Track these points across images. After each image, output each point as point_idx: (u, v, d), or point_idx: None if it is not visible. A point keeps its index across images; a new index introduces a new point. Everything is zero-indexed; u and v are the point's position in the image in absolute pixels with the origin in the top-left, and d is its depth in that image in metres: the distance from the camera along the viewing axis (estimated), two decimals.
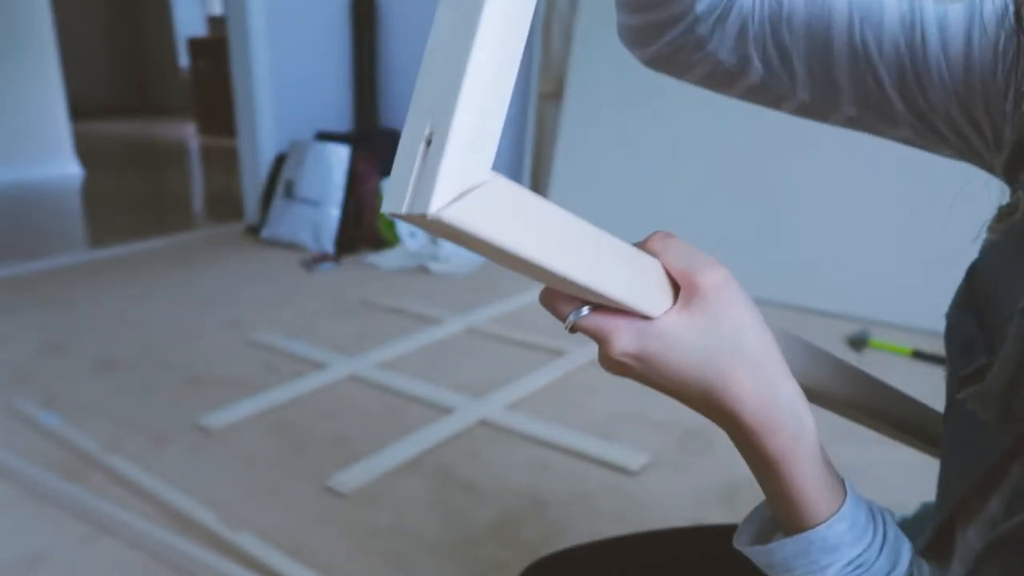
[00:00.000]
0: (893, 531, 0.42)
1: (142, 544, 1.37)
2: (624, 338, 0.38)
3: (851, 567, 0.40)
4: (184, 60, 8.58)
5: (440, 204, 0.29)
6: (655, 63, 0.62)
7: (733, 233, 2.79)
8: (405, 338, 2.34)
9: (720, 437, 1.77)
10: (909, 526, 0.64)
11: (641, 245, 0.40)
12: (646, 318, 0.39)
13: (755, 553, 0.42)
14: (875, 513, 0.42)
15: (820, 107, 0.58)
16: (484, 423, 1.83)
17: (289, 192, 3.40)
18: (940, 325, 0.53)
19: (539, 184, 3.38)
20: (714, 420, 0.41)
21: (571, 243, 0.35)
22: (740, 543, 0.44)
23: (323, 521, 1.46)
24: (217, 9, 8.37)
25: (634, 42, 0.62)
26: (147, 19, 9.02)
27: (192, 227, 3.88)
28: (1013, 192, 0.49)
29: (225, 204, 4.50)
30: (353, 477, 1.58)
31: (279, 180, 3.46)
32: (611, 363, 0.40)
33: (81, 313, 2.56)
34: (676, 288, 0.40)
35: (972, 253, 0.53)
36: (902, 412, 0.61)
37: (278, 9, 3.51)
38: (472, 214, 0.30)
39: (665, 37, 0.59)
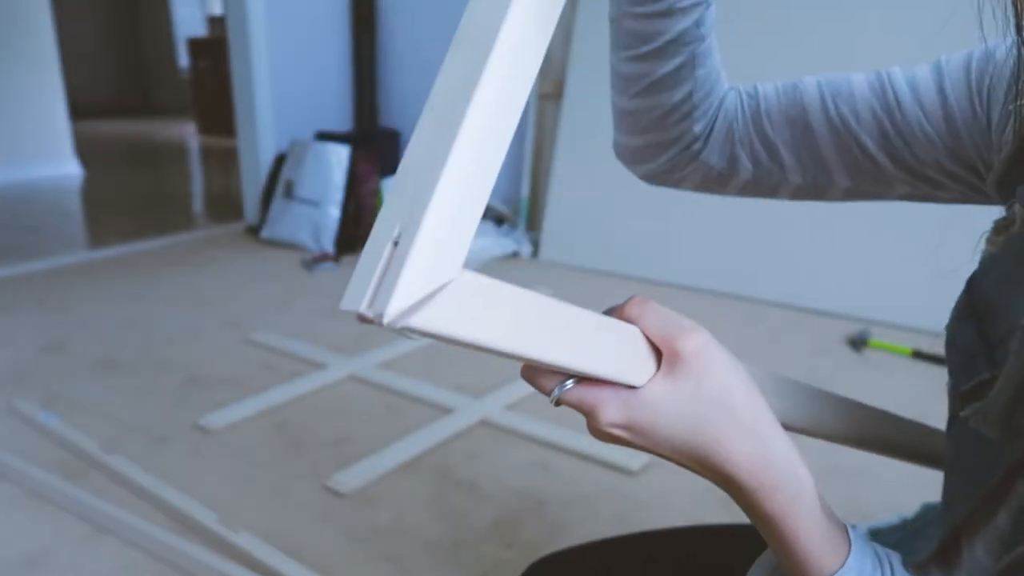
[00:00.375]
0: (901, 574, 0.42)
1: (142, 544, 1.37)
2: (610, 410, 0.38)
3: None
4: (184, 60, 8.57)
5: (396, 312, 0.29)
6: (653, 178, 0.65)
7: (733, 233, 2.79)
8: (405, 338, 2.34)
9: None
10: (909, 527, 0.64)
11: (617, 311, 0.40)
12: (631, 387, 0.39)
13: None
14: (881, 558, 0.42)
15: (815, 186, 0.60)
16: (484, 423, 1.83)
17: (289, 192, 3.40)
18: (940, 325, 0.53)
19: (539, 184, 3.39)
20: (712, 481, 0.41)
21: (546, 327, 0.34)
22: None
23: (323, 521, 1.46)
24: (217, 9, 8.37)
25: (633, 161, 0.64)
26: (147, 19, 9.02)
27: (192, 227, 3.88)
28: (1009, 206, 0.50)
29: (225, 204, 4.50)
30: (353, 477, 1.58)
31: (279, 180, 3.46)
32: (601, 434, 0.40)
33: (81, 313, 2.56)
34: (658, 354, 0.40)
35: (972, 258, 0.53)
36: (900, 437, 0.61)
37: (278, 9, 3.51)
38: (433, 318, 0.30)
39: (664, 156, 0.61)
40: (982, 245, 0.51)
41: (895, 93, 0.54)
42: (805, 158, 0.58)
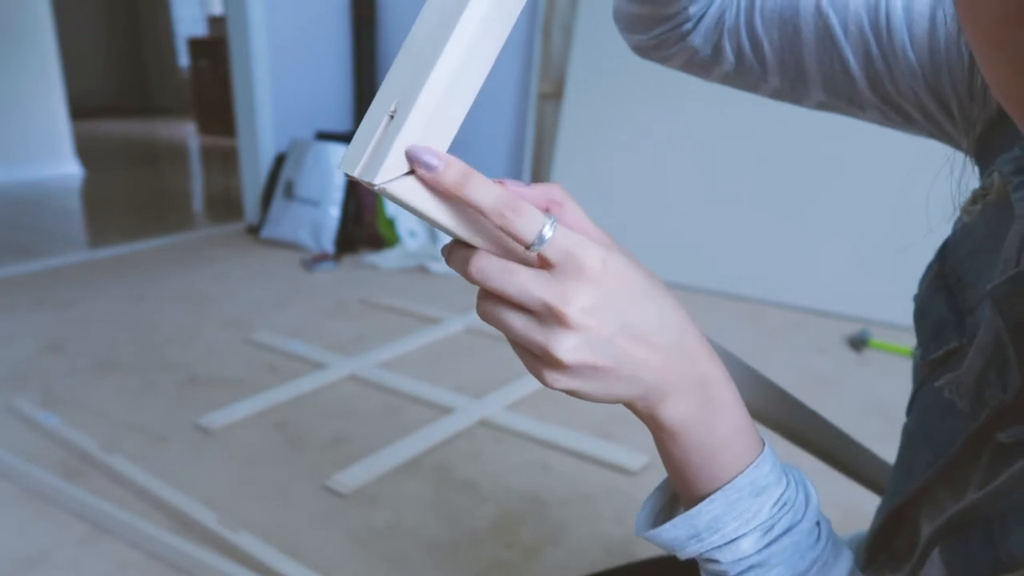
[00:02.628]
0: (791, 467, 0.43)
1: (142, 544, 1.37)
2: (596, 247, 0.36)
3: (777, 506, 0.40)
4: (184, 60, 8.58)
5: (386, 177, 0.33)
6: (641, 51, 0.65)
7: (733, 234, 2.79)
8: (405, 338, 2.34)
9: None
10: None
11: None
12: None
13: (676, 526, 0.40)
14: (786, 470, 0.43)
15: (791, 92, 0.60)
16: (484, 423, 1.83)
17: (289, 192, 3.40)
18: None
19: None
20: (678, 367, 0.38)
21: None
22: (642, 531, 0.43)
23: (323, 521, 1.46)
24: (217, 9, 8.36)
25: (627, 28, 0.64)
26: (147, 19, 9.03)
27: (192, 227, 3.88)
28: (986, 175, 0.49)
29: (225, 204, 4.50)
30: (353, 477, 1.58)
31: (279, 180, 3.46)
32: (591, 282, 0.35)
33: (81, 313, 2.56)
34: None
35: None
36: (828, 442, 0.63)
37: (278, 9, 3.51)
38: (409, 190, 0.34)
39: (656, 30, 0.61)
40: (957, 214, 0.51)
41: (888, 12, 0.53)
42: (788, 63, 0.57)
